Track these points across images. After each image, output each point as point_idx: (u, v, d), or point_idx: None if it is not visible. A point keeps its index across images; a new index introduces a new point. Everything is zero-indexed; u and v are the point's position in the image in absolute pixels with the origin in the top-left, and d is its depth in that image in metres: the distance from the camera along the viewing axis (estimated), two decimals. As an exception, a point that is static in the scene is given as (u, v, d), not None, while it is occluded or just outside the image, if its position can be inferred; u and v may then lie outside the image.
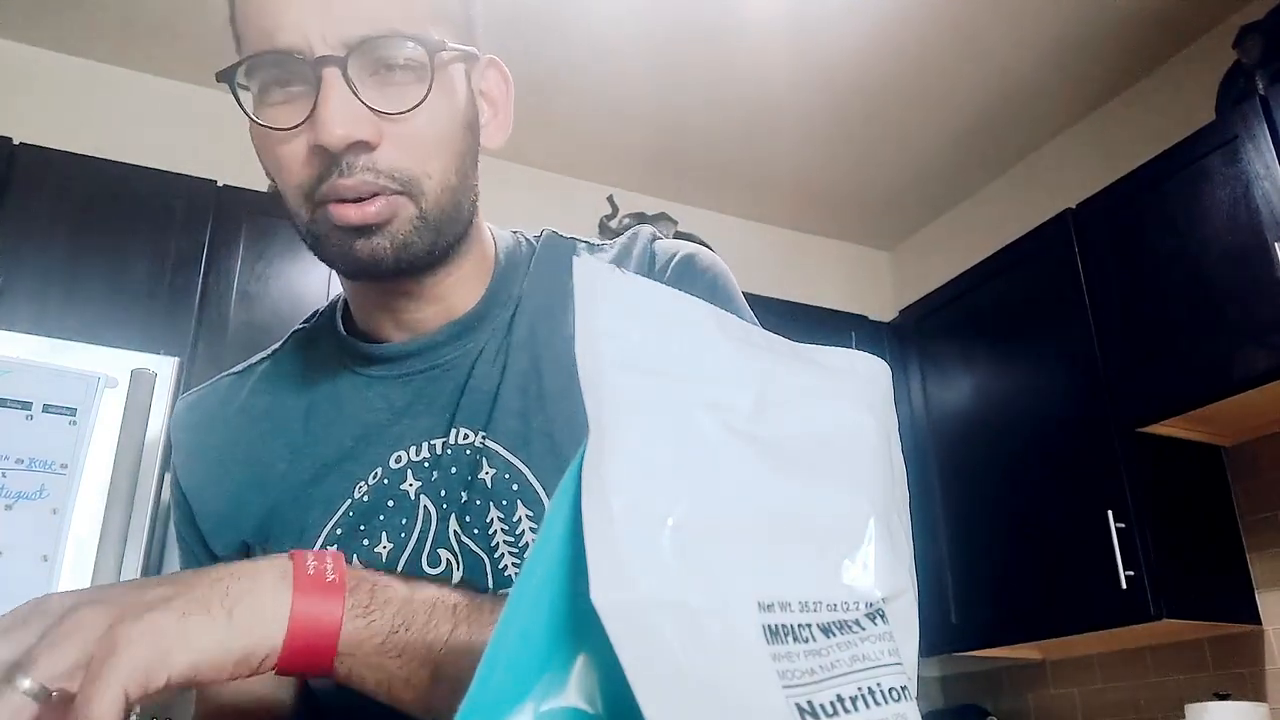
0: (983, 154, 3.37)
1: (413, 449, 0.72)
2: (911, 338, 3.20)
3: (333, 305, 0.82)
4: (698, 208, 3.61)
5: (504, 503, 0.69)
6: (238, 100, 0.66)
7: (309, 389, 0.77)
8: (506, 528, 0.69)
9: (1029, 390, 2.72)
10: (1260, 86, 2.35)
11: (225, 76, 0.65)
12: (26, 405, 1.91)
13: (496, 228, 0.81)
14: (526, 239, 0.82)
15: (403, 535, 0.70)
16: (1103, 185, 2.63)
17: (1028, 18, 2.76)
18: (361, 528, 0.71)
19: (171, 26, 2.77)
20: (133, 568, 2.00)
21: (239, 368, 0.83)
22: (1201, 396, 2.28)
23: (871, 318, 3.33)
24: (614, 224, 3.22)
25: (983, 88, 3.05)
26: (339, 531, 0.71)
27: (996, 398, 2.83)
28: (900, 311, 3.34)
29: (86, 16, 2.75)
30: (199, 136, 2.91)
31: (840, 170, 3.45)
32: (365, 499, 0.71)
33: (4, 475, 1.85)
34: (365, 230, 0.64)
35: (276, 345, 0.83)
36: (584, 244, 0.82)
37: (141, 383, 1.99)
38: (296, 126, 0.63)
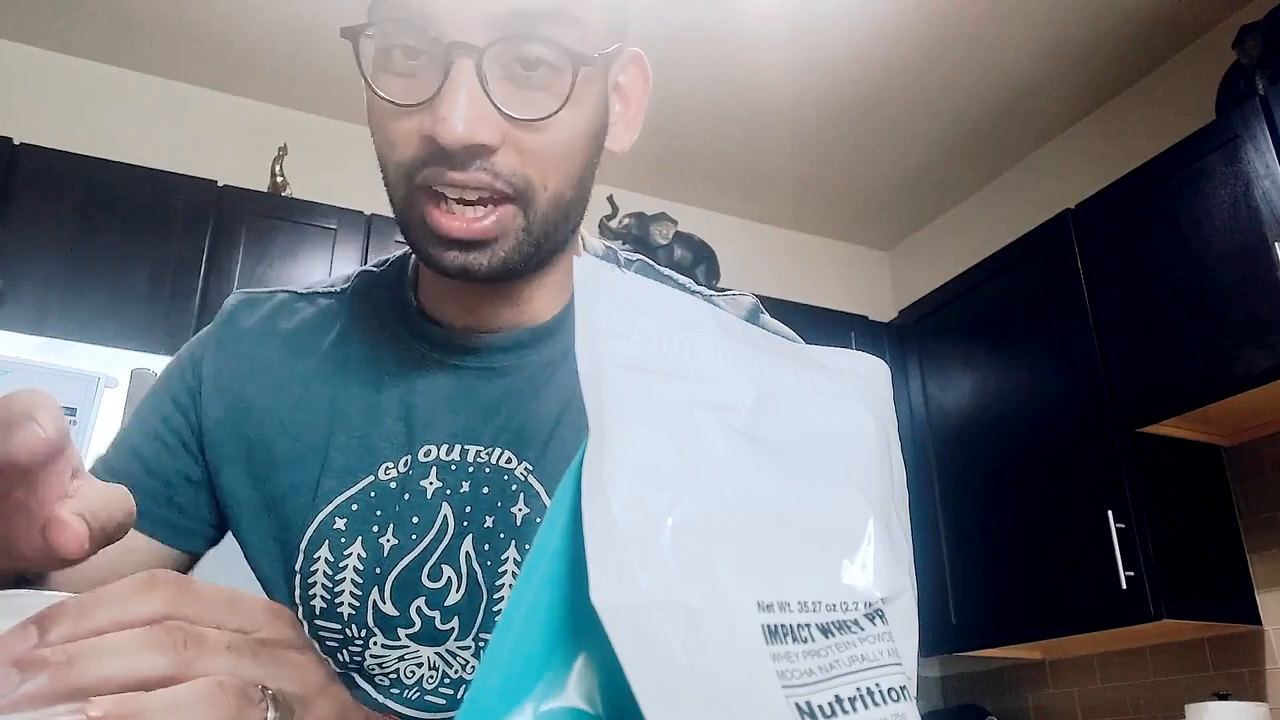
0: (983, 154, 3.37)
1: (444, 447, 0.67)
2: (911, 338, 3.20)
3: (403, 261, 0.76)
4: (698, 208, 3.61)
5: (526, 547, 0.64)
6: (358, 59, 0.60)
7: (356, 342, 0.72)
8: (518, 572, 0.66)
9: (1029, 390, 2.72)
10: (1260, 86, 2.35)
11: (350, 34, 0.59)
12: (26, 405, 1.91)
13: (588, 234, 0.77)
14: (617, 255, 0.77)
15: (413, 536, 0.66)
16: (1103, 185, 2.63)
17: (1027, 18, 2.76)
18: (378, 513, 0.67)
19: (171, 27, 2.77)
20: (133, 568, 2.00)
21: (301, 288, 0.77)
22: (1201, 396, 2.28)
23: (871, 318, 3.33)
24: (614, 224, 3.22)
25: (982, 88, 3.05)
26: (355, 507, 0.67)
27: (996, 398, 2.83)
28: (900, 311, 3.34)
29: (86, 16, 2.75)
30: (199, 136, 2.91)
31: (840, 170, 3.45)
32: (391, 485, 0.67)
33: (4, 475, 1.85)
34: (464, 244, 0.59)
35: (344, 282, 0.77)
36: (676, 280, 0.77)
37: (141, 383, 1.99)
38: (414, 105, 0.57)
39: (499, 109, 0.56)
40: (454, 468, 0.67)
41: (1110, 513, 2.38)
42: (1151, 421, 2.40)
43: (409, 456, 0.68)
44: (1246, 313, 2.19)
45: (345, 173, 3.05)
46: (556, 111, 0.57)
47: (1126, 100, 3.06)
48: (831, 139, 3.27)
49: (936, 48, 2.87)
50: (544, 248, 0.63)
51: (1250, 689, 2.41)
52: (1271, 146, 2.21)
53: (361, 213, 2.70)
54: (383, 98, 0.58)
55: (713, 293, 0.79)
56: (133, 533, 0.67)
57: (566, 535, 0.29)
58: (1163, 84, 2.95)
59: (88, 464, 0.63)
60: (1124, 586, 2.32)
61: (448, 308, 0.70)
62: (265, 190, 2.76)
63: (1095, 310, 2.56)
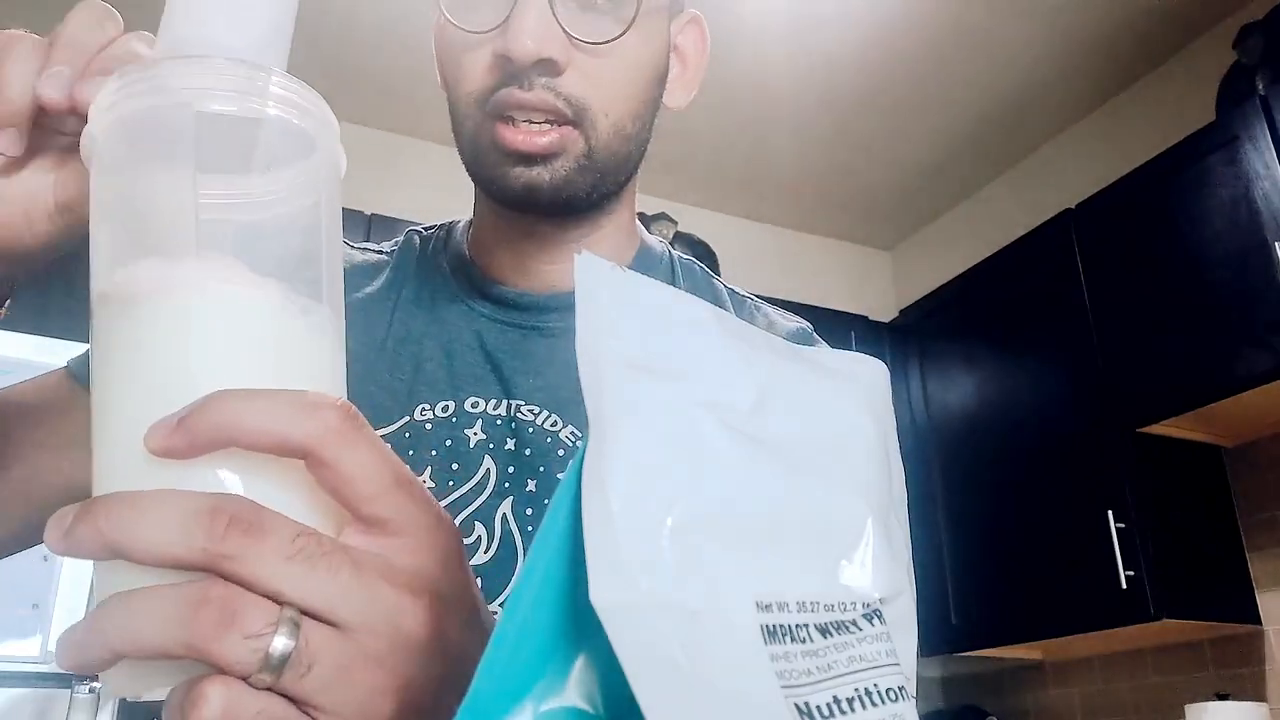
0: (983, 154, 3.37)
1: (492, 402, 0.68)
2: (911, 338, 3.20)
3: (455, 223, 0.79)
4: (698, 208, 3.61)
5: None
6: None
7: (403, 287, 0.74)
8: None
9: (1029, 390, 2.72)
10: (1260, 86, 2.35)
11: None
12: (27, 405, 1.91)
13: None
14: (671, 252, 0.80)
15: (450, 482, 0.66)
16: (1103, 185, 2.64)
17: (1028, 18, 2.76)
18: (410, 453, 0.67)
19: (172, 26, 2.77)
20: (133, 567, 2.00)
21: (357, 244, 0.79)
22: (1201, 396, 2.28)
23: (871, 318, 3.33)
24: (614, 224, 3.22)
25: (983, 88, 3.05)
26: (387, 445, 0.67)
27: (996, 398, 2.83)
28: (900, 311, 3.34)
29: (87, 16, 2.75)
30: (199, 136, 2.91)
31: (840, 170, 3.45)
32: (426, 426, 0.67)
33: (4, 475, 1.86)
34: (528, 159, 0.62)
35: (390, 245, 0.79)
36: (726, 288, 0.79)
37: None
38: (487, 31, 0.61)
39: (565, 30, 0.60)
40: (499, 423, 0.68)
41: (1110, 513, 2.38)
42: (1151, 421, 2.40)
43: (450, 403, 0.68)
44: (1246, 313, 2.19)
45: (345, 173, 3.04)
46: (620, 35, 0.61)
47: (1126, 100, 3.06)
48: (832, 138, 3.27)
49: (937, 47, 2.87)
50: (604, 181, 0.66)
51: (1250, 689, 2.41)
52: (1271, 146, 2.21)
53: (361, 212, 2.70)
54: (462, 27, 0.62)
55: (767, 304, 0.79)
56: None
57: (566, 535, 0.29)
58: (1163, 84, 2.95)
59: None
60: (1124, 586, 2.32)
61: (500, 262, 0.72)
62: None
63: (1095, 310, 2.56)
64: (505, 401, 0.68)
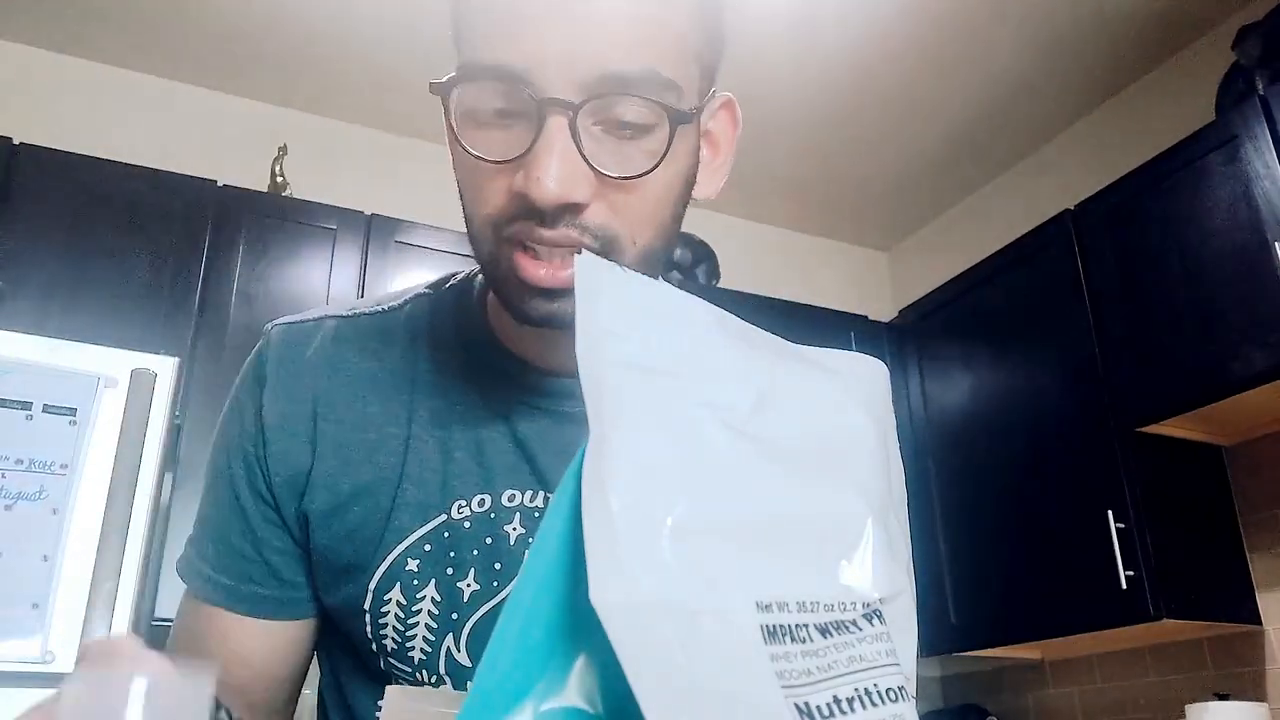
0: (983, 154, 3.37)
1: (529, 493, 0.66)
2: (911, 338, 3.20)
3: (465, 287, 0.73)
4: (698, 207, 3.60)
5: None
6: (446, 115, 0.58)
7: (425, 371, 0.69)
8: None
9: (1029, 390, 2.72)
10: (1260, 86, 2.35)
11: (442, 90, 0.57)
12: (26, 405, 1.91)
13: None
14: None
15: (494, 583, 0.64)
16: (1103, 185, 2.63)
17: (1027, 17, 2.76)
18: (451, 554, 0.65)
19: (171, 26, 2.77)
20: (132, 568, 2.00)
21: (346, 311, 0.73)
22: (1201, 396, 2.28)
23: (871, 318, 3.33)
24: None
25: (982, 88, 3.05)
26: (427, 547, 0.65)
27: (996, 398, 2.83)
28: (900, 311, 3.34)
29: (86, 16, 2.75)
30: (199, 136, 2.91)
31: (840, 170, 3.45)
32: (465, 525, 0.65)
33: (4, 475, 1.85)
34: (549, 293, 0.58)
35: (394, 303, 0.73)
36: None
37: (141, 383, 1.99)
38: (506, 161, 0.56)
39: (592, 166, 0.55)
40: (537, 515, 0.65)
41: (1110, 513, 2.38)
42: (1151, 421, 2.40)
43: (486, 497, 0.66)
44: (1246, 313, 2.19)
45: (345, 173, 3.05)
46: (650, 170, 0.57)
47: (1126, 100, 3.06)
48: (831, 138, 3.27)
49: (936, 47, 2.87)
50: None
51: (1250, 689, 2.41)
52: (1271, 146, 2.20)
53: (361, 213, 2.70)
54: (477, 155, 0.57)
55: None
56: (260, 623, 0.69)
57: (567, 535, 0.29)
58: (1163, 84, 2.95)
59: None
60: (1124, 586, 2.31)
61: (524, 345, 0.68)
62: (265, 190, 2.76)
63: (1095, 310, 2.56)
64: (542, 494, 0.66)
